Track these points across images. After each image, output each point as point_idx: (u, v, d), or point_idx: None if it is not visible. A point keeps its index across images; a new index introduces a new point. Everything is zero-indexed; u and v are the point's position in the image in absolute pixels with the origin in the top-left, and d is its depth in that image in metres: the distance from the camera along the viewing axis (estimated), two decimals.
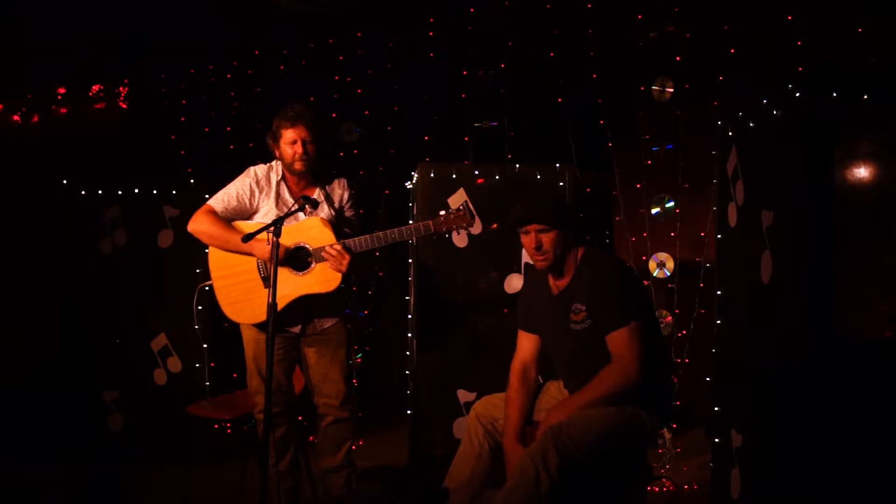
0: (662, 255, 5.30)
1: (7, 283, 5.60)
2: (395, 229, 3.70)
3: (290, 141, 3.77)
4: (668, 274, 5.30)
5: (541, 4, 5.41)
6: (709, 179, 4.79)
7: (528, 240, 3.24)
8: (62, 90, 6.01)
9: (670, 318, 5.28)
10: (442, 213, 3.72)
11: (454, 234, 3.81)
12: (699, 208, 5.27)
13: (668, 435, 4.70)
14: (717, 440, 4.09)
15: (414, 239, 4.47)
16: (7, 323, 5.59)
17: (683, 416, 5.20)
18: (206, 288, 3.99)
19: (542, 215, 3.21)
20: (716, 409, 4.10)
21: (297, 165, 3.80)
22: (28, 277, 5.57)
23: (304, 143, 3.77)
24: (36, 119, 5.99)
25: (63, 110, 6.02)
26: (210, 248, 3.85)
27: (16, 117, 5.95)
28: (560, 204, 3.30)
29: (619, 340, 3.06)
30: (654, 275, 5.30)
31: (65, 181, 5.39)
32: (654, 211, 5.34)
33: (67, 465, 5.04)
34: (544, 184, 4.65)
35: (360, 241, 3.69)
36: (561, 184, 4.64)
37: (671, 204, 5.33)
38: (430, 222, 3.70)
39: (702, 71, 5.20)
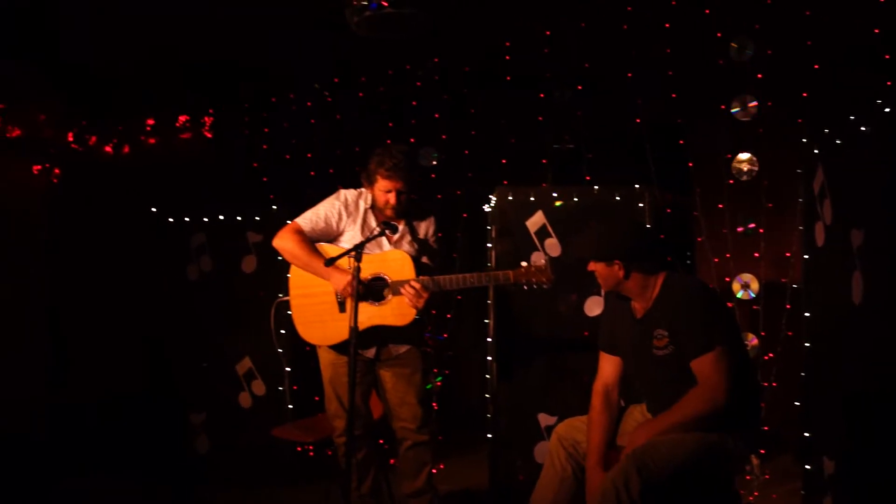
0: (746, 277, 5.17)
1: (100, 308, 5.80)
2: (475, 275, 3.71)
3: (385, 189, 3.80)
4: (753, 295, 5.17)
5: (617, 25, 5.38)
6: (794, 198, 4.68)
7: (589, 269, 3.28)
8: (151, 121, 6.21)
9: (756, 340, 5.14)
10: (524, 263, 3.73)
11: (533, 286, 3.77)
12: (784, 228, 5.15)
13: (755, 461, 4.57)
14: (807, 467, 3.96)
15: (492, 286, 4.47)
16: (100, 346, 5.78)
17: (771, 441, 5.06)
18: (286, 310, 4.05)
19: (586, 252, 3.27)
20: (805, 434, 3.98)
21: (388, 212, 3.84)
22: (120, 303, 5.75)
23: (397, 194, 3.79)
24: (127, 150, 6.20)
25: (152, 140, 6.21)
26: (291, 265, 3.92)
27: (108, 148, 6.17)
28: (613, 236, 3.25)
29: (704, 366, 3.00)
30: (739, 296, 5.17)
31: (154, 209, 5.56)
32: (737, 231, 5.23)
33: (156, 485, 5.16)
34: (623, 205, 4.61)
35: (441, 282, 3.70)
36: (640, 205, 4.59)
37: (754, 224, 5.22)
38: (511, 273, 3.72)
39: (785, 88, 5.09)
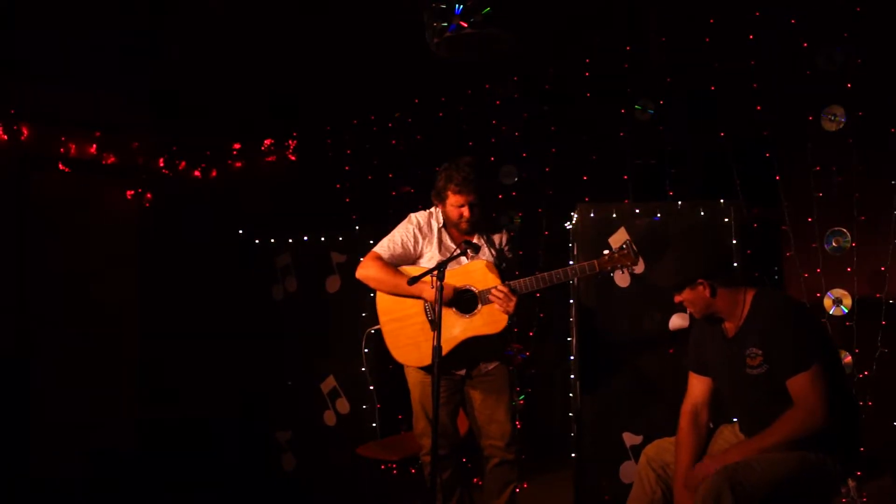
0: (838, 292, 5.02)
1: (188, 327, 5.96)
2: (560, 270, 3.67)
3: (457, 204, 3.77)
4: (846, 311, 5.01)
5: (699, 38, 5.31)
6: (888, 210, 4.53)
7: (677, 301, 3.25)
8: (237, 146, 6.38)
9: (850, 358, 4.98)
10: (606, 252, 3.66)
11: (618, 272, 3.74)
12: (877, 241, 4.98)
13: (852, 483, 4.40)
14: None
15: (578, 279, 4.43)
16: (188, 364, 5.94)
17: (868, 463, 4.88)
18: (373, 331, 4.09)
19: (668, 282, 3.25)
20: None
21: (463, 226, 3.82)
22: (208, 321, 5.90)
23: (470, 207, 3.77)
24: (214, 173, 6.38)
25: (238, 164, 6.38)
26: (378, 292, 3.93)
27: (196, 173, 6.36)
28: (689, 257, 3.21)
29: (801, 385, 2.91)
30: (831, 313, 5.02)
31: (240, 231, 5.69)
32: (827, 245, 5.08)
33: (244, 501, 5.26)
34: (707, 221, 4.52)
35: (526, 283, 3.67)
36: (726, 220, 4.50)
37: (846, 238, 5.06)
38: (595, 262, 3.64)
39: (876, 96, 4.94)
